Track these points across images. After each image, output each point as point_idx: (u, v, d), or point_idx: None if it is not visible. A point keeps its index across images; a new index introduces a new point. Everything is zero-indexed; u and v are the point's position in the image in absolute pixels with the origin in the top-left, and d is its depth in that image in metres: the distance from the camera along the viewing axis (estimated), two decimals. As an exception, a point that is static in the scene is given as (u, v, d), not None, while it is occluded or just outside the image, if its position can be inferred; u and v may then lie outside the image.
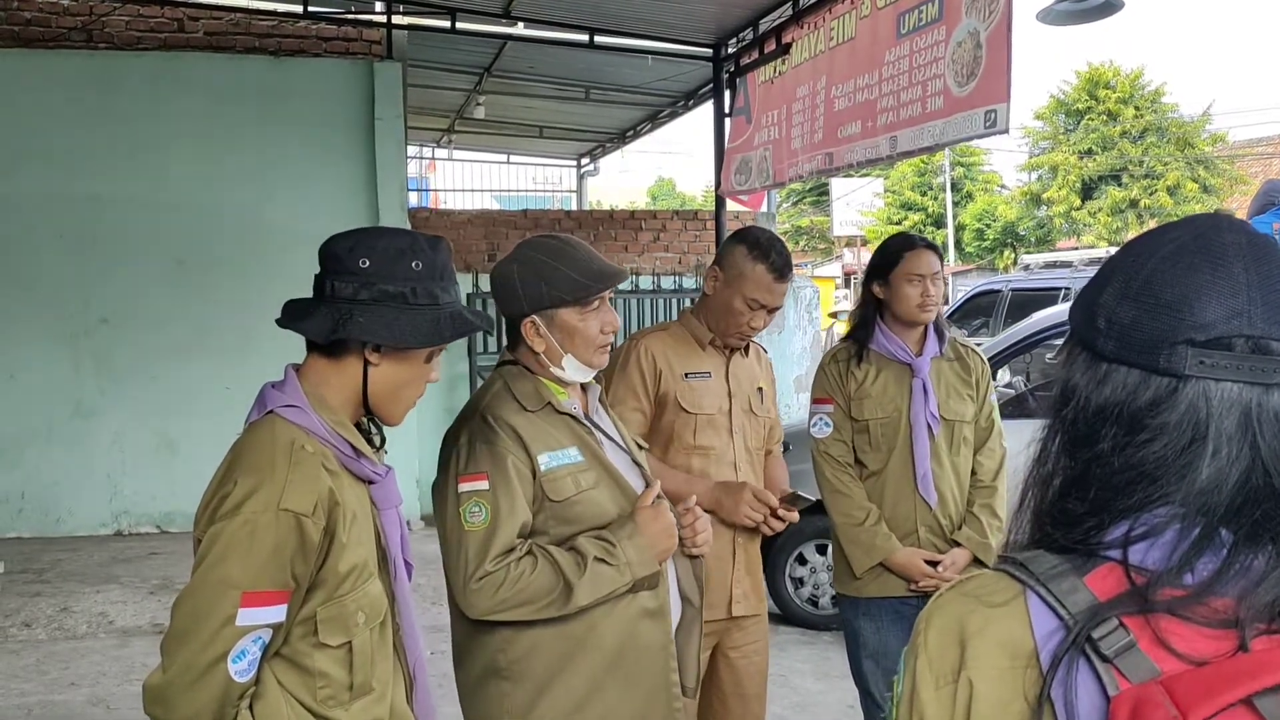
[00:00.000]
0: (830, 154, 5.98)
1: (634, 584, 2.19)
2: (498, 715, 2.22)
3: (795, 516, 2.95)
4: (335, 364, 1.79)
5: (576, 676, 2.19)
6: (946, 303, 3.50)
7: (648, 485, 2.34)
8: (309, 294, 1.83)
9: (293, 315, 1.79)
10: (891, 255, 3.25)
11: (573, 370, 2.30)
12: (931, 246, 3.25)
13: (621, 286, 9.82)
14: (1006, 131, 4.42)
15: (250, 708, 1.63)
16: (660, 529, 2.23)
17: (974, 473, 3.29)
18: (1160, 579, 0.88)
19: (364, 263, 1.75)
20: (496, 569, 2.11)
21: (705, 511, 2.76)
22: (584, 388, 2.41)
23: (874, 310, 3.29)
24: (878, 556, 3.17)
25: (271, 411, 1.75)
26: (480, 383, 8.53)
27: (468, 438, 2.20)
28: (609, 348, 2.34)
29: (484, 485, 2.14)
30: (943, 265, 3.28)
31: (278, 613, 1.63)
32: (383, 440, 1.94)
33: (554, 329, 2.27)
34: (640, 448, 2.49)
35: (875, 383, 3.26)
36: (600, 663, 2.20)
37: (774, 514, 2.91)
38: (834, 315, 12.75)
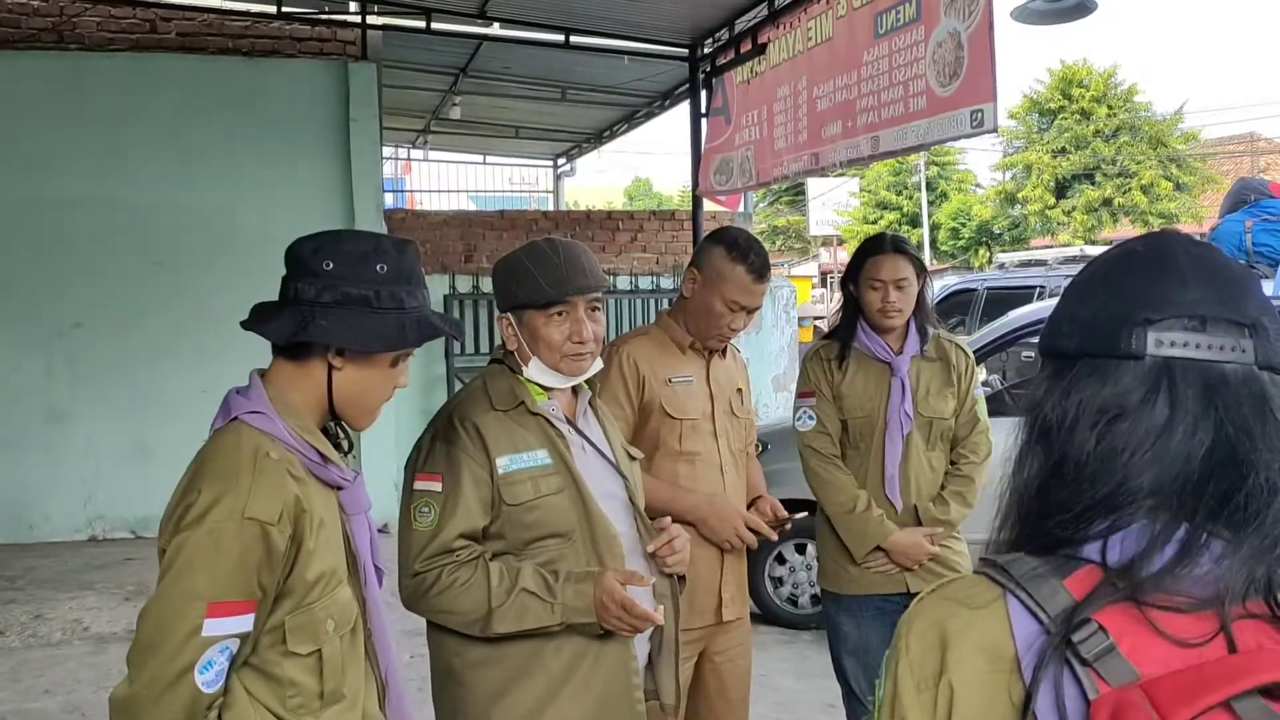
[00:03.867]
0: (816, 154, 5.99)
1: (567, 628, 2.16)
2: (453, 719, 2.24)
3: (775, 535, 2.97)
4: (299, 368, 1.77)
5: (532, 687, 2.18)
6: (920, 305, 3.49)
7: (639, 511, 2.34)
8: None
9: (257, 318, 1.77)
10: (858, 258, 3.28)
11: (537, 373, 2.29)
12: (903, 251, 3.23)
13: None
14: (994, 131, 4.45)
15: (219, 718, 1.61)
16: (610, 608, 2.13)
17: (953, 462, 3.30)
18: (1130, 567, 0.89)
19: (327, 265, 1.73)
20: (427, 569, 2.14)
21: (688, 524, 2.75)
22: (575, 391, 2.39)
23: (854, 309, 3.30)
24: (872, 541, 3.18)
25: (236, 418, 1.73)
26: (458, 385, 8.51)
27: (431, 436, 2.24)
28: (585, 357, 2.30)
29: (436, 486, 2.17)
30: (920, 271, 3.25)
31: (245, 622, 1.61)
32: (351, 445, 1.92)
33: (523, 329, 2.29)
34: (632, 458, 2.47)
35: (855, 381, 3.27)
36: (557, 674, 2.19)
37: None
38: (806, 321, 12.73)
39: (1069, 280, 1.09)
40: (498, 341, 2.38)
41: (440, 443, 2.21)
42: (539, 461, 2.22)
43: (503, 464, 2.19)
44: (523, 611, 2.13)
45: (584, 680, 2.20)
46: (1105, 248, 1.19)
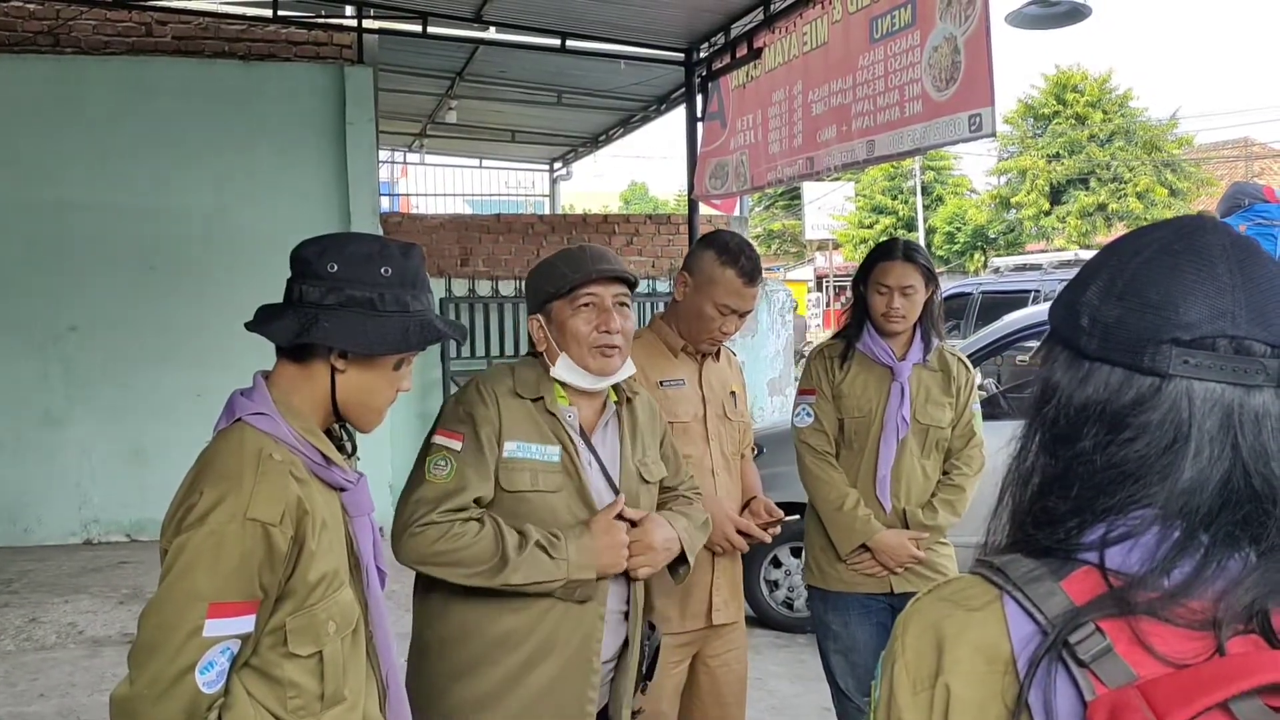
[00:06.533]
0: (811, 158, 5.99)
1: (567, 584, 2.20)
2: (415, 691, 2.24)
3: (772, 534, 2.96)
4: (303, 370, 1.78)
5: (491, 674, 2.21)
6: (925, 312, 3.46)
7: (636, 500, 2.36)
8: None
9: (261, 319, 1.78)
10: (870, 261, 3.30)
11: (565, 370, 2.32)
12: (913, 259, 3.22)
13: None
14: (993, 135, 4.45)
15: (220, 719, 1.61)
16: (609, 543, 2.23)
17: (946, 473, 3.31)
18: (1140, 582, 0.88)
19: (332, 267, 1.74)
20: (443, 519, 2.15)
21: None
22: (603, 405, 2.41)
23: (863, 310, 3.32)
24: (858, 539, 3.20)
25: (240, 419, 1.73)
26: (454, 389, 8.49)
27: (456, 399, 2.30)
28: (614, 354, 2.32)
29: (456, 445, 2.21)
30: (930, 280, 3.26)
31: (246, 623, 1.61)
32: (354, 447, 1.93)
33: (552, 326, 2.34)
34: (645, 481, 2.45)
35: (855, 381, 3.29)
36: (518, 665, 2.21)
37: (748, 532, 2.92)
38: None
39: (1090, 260, 1.02)
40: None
41: (465, 407, 2.26)
42: (548, 456, 2.26)
43: (509, 448, 2.23)
44: (535, 564, 2.16)
45: (543, 677, 2.22)
46: None
